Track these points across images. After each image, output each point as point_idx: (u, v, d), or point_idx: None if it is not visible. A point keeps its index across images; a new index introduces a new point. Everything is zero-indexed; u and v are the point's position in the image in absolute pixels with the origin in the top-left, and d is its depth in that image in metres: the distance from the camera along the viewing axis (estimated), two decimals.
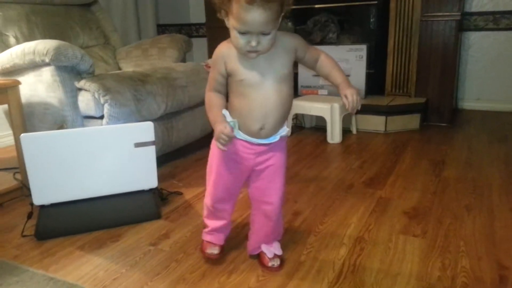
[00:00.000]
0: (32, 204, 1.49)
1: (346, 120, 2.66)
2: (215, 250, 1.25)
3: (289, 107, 1.11)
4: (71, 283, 1.17)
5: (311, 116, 2.85)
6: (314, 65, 1.14)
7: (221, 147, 1.05)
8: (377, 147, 2.45)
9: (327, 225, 1.49)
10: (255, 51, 0.98)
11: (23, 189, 1.76)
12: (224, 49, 1.06)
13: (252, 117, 1.07)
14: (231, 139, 1.05)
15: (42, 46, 1.78)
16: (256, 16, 0.90)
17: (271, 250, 1.24)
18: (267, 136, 1.11)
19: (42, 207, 1.48)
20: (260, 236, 1.25)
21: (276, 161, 1.15)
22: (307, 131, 2.86)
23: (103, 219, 1.50)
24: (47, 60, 1.76)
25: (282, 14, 0.98)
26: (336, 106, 2.54)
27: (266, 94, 1.05)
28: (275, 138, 1.12)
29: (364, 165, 2.13)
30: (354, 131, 2.76)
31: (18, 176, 1.84)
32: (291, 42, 1.07)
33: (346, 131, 2.70)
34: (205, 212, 1.29)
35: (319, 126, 2.84)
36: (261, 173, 1.16)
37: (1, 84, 1.70)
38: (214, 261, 1.26)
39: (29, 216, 1.52)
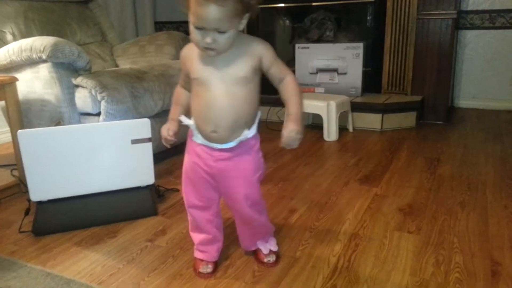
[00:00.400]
0: (29, 200, 1.50)
1: (342, 118, 2.67)
2: (208, 269, 1.19)
3: (246, 112, 1.05)
4: (68, 279, 1.18)
5: (308, 114, 2.86)
6: (278, 84, 1.08)
7: (164, 142, 1.16)
8: (373, 144, 2.47)
9: (322, 222, 1.51)
10: (212, 49, 0.95)
11: (20, 186, 1.76)
12: (188, 48, 1.07)
13: (204, 118, 1.05)
14: (167, 141, 1.14)
15: (39, 42, 1.78)
16: (210, 11, 0.88)
17: (267, 246, 1.25)
18: (223, 141, 1.06)
19: (39, 203, 1.49)
20: (246, 236, 1.25)
21: (240, 168, 1.10)
22: (304, 128, 2.87)
23: (100, 215, 1.51)
24: (44, 57, 1.76)
25: (247, 14, 0.96)
26: (333, 104, 2.55)
27: (216, 95, 1.02)
28: (233, 143, 1.07)
29: (360, 162, 2.15)
30: (351, 129, 2.77)
31: (16, 172, 1.84)
32: (256, 48, 1.03)
33: (342, 129, 2.71)
34: (189, 224, 1.25)
35: (316, 124, 2.85)
36: (224, 181, 1.12)
37: None
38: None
39: (27, 212, 1.53)
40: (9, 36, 2.16)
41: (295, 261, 1.26)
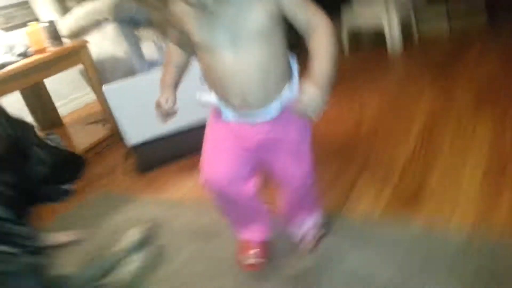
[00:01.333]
0: (126, 145, 1.68)
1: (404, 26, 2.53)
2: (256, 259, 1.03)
3: (277, 71, 0.81)
4: (175, 202, 1.36)
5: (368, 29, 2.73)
6: (306, 32, 0.80)
7: (158, 118, 0.90)
8: (441, 45, 2.36)
9: (393, 121, 1.55)
10: None
11: (113, 136, 1.96)
12: (181, 4, 0.80)
13: (224, 91, 0.82)
14: (169, 115, 0.89)
15: (99, 4, 1.89)
16: None
17: (311, 219, 1.06)
18: (260, 106, 0.83)
19: (135, 146, 1.67)
20: (292, 209, 1.04)
21: (285, 141, 0.88)
22: (364, 46, 2.80)
23: (188, 148, 1.65)
24: (107, 16, 1.87)
25: None
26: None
27: (227, 63, 0.77)
28: (274, 108, 0.84)
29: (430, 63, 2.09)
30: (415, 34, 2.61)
31: (106, 126, 2.04)
32: None
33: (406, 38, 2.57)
34: None
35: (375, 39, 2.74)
36: (271, 153, 0.90)
37: (73, 47, 1.86)
38: None
39: (127, 156, 1.73)
40: (71, 3, 2.29)
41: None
